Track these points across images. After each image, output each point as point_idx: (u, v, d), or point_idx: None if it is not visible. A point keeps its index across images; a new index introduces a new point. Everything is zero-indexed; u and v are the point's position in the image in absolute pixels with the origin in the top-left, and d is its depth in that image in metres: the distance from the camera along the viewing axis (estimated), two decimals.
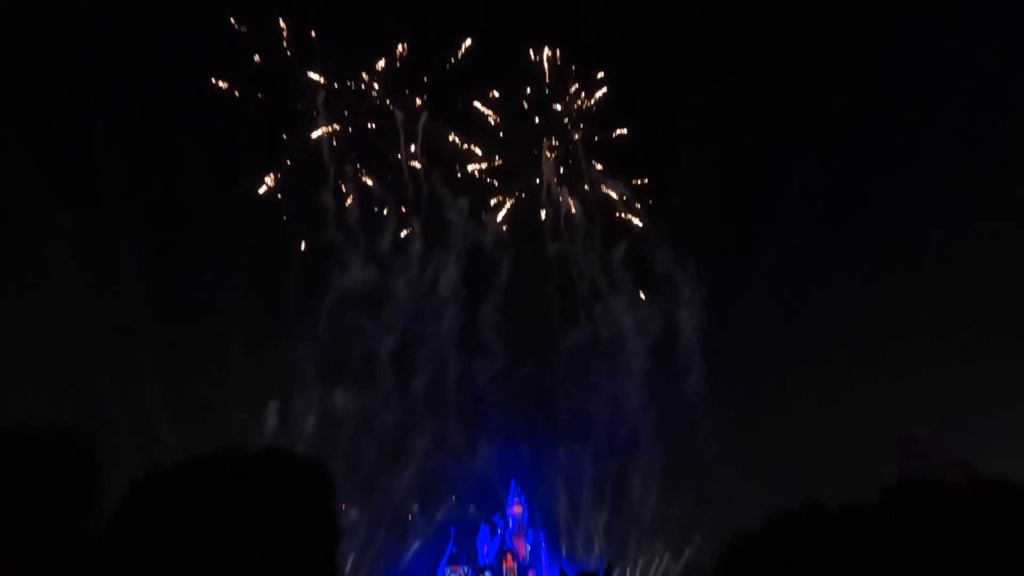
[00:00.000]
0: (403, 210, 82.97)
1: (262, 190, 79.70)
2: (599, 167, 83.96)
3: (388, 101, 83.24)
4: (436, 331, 78.71)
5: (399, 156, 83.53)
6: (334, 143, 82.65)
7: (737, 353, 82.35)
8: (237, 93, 78.66)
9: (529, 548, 63.20)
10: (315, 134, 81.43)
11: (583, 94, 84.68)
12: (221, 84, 78.46)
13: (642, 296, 79.99)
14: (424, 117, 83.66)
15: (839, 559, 28.17)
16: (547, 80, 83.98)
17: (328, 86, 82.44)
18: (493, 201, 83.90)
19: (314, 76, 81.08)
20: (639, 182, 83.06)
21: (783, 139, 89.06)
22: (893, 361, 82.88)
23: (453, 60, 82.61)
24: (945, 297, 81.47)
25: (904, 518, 29.14)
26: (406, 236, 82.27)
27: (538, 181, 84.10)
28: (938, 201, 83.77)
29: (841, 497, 33.57)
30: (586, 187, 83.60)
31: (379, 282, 78.89)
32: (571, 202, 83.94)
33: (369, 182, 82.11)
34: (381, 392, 74.55)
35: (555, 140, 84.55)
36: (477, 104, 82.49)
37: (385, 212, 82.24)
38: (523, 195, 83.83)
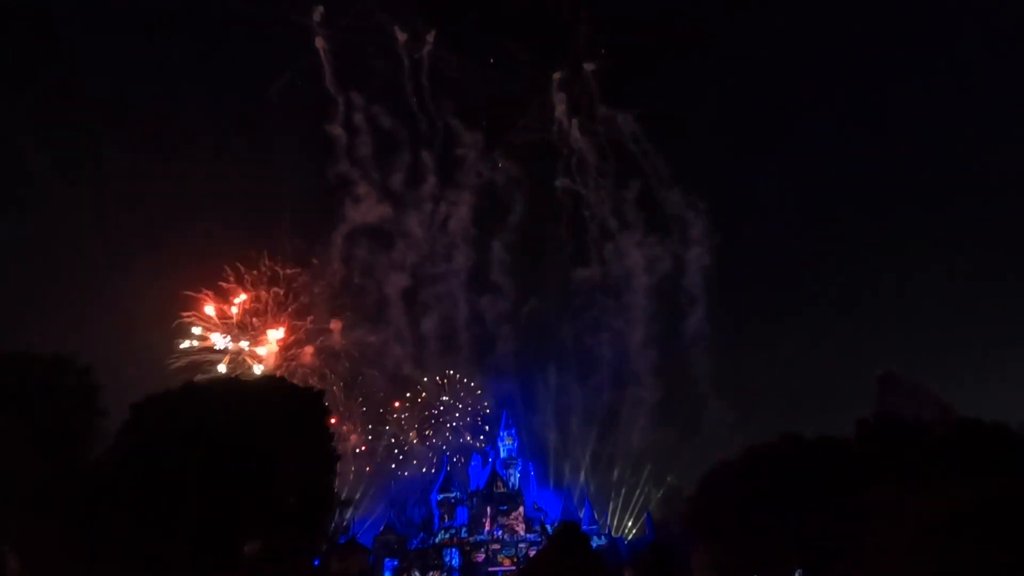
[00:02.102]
0: (414, 145, 79.54)
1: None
2: (609, 103, 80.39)
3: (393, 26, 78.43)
4: (447, 268, 78.73)
5: (405, 86, 79.59)
6: (329, 60, 78.20)
7: (732, 294, 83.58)
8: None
9: (519, 476, 65.40)
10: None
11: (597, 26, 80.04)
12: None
13: (650, 237, 79.03)
14: (431, 38, 78.85)
15: (812, 485, 29.46)
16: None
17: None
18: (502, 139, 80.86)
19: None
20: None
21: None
22: (875, 304, 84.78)
23: None
24: (929, 244, 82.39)
25: (877, 449, 30.29)
26: (417, 171, 79.55)
27: (549, 117, 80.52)
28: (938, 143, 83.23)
29: (819, 430, 34.87)
30: (598, 125, 79.97)
31: (392, 217, 77.73)
32: (581, 138, 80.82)
33: (377, 113, 76.81)
34: (390, 327, 75.15)
35: (567, 71, 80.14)
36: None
37: (397, 147, 77.68)
38: (534, 130, 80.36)
